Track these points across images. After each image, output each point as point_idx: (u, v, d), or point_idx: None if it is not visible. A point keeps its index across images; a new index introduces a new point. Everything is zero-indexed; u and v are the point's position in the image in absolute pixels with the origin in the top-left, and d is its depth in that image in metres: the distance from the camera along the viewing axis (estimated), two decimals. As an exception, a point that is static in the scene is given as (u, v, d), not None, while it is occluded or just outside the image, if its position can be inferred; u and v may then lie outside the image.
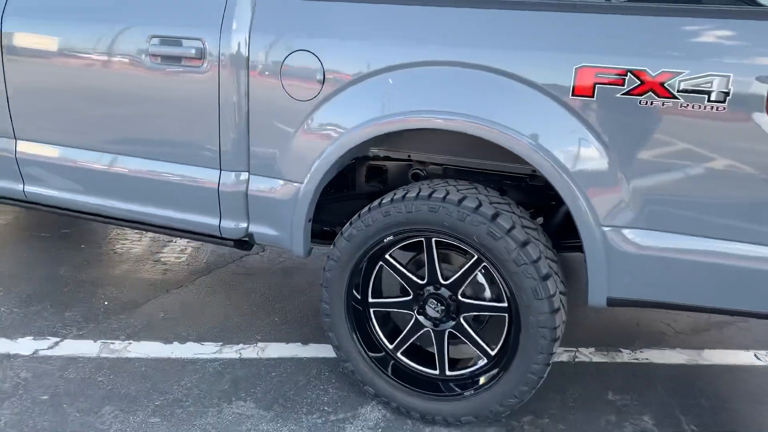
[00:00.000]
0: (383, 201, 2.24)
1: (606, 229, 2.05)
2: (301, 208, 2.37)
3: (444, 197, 2.14)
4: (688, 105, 1.88)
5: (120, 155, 2.65)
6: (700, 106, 1.87)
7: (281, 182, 2.41)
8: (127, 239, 4.01)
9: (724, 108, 1.85)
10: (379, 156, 2.62)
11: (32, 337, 2.83)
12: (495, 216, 2.10)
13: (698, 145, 1.92)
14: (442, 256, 2.33)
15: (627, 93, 1.93)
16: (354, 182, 2.70)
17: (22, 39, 2.69)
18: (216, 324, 3.01)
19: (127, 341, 2.84)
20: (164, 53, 2.41)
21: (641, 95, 1.92)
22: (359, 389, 2.48)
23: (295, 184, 2.38)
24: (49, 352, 2.73)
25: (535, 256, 2.09)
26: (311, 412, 2.42)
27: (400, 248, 2.35)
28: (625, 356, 2.87)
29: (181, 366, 2.68)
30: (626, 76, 1.92)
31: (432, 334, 2.36)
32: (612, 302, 2.14)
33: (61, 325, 2.94)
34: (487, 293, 2.31)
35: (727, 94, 1.83)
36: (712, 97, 1.85)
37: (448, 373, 2.37)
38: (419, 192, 2.19)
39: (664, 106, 1.90)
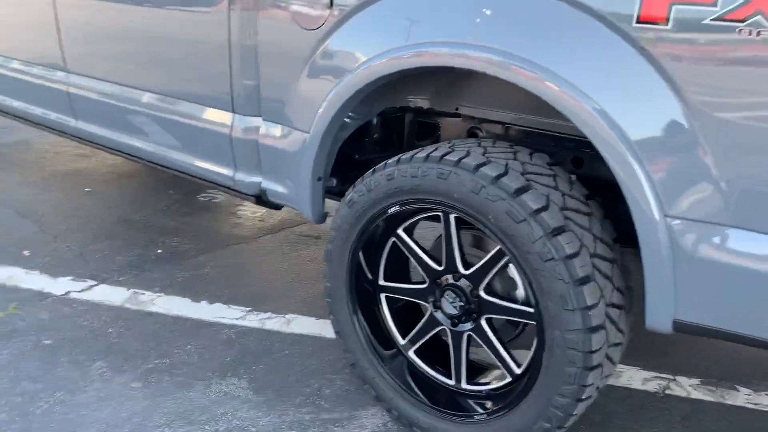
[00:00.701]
0: (389, 162, 1.77)
1: (674, 222, 1.41)
2: (307, 161, 1.97)
3: (458, 160, 1.62)
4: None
5: (149, 92, 2.43)
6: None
7: (288, 130, 2.02)
8: (213, 187, 3.87)
9: None
10: (431, 109, 2.12)
11: (72, 278, 2.75)
12: (520, 191, 1.54)
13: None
14: (469, 238, 1.81)
15: (720, 18, 1.27)
16: (403, 140, 2.23)
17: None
18: (255, 288, 2.73)
19: (158, 294, 2.66)
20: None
21: (742, 21, 1.25)
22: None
23: (303, 134, 1.98)
24: (78, 296, 2.63)
25: (570, 250, 1.50)
26: (303, 405, 2.04)
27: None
28: (741, 397, 2.13)
29: (196, 328, 2.43)
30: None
31: (449, 335, 1.86)
32: (681, 328, 1.49)
33: (105, 269, 2.84)
34: (520, 292, 1.75)
35: None
36: None
37: (464, 385, 1.86)
38: (431, 152, 1.68)
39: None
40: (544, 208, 1.53)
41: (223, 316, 2.51)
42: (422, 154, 1.69)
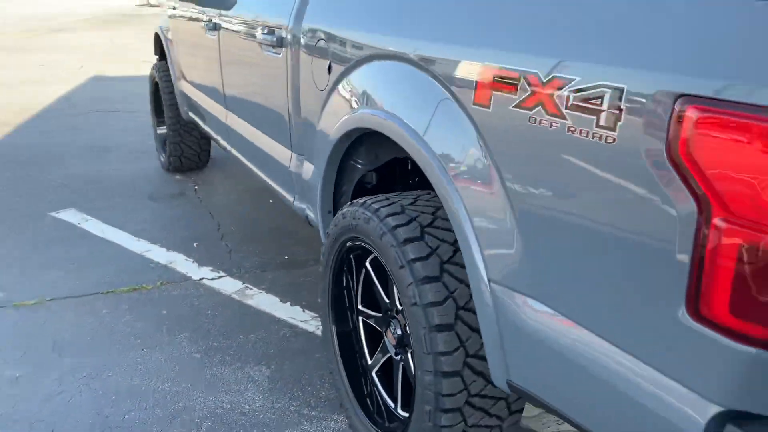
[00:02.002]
0: (355, 202, 2.08)
1: (496, 287, 1.51)
2: (318, 198, 2.36)
3: (377, 209, 1.88)
4: (575, 129, 1.25)
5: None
6: (587, 132, 1.23)
7: (310, 167, 2.44)
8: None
9: (614, 138, 1.18)
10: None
11: (211, 269, 3.50)
12: (408, 240, 1.75)
13: (588, 190, 1.26)
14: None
15: (518, 105, 1.38)
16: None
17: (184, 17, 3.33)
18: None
19: (260, 291, 3.25)
20: (266, 42, 2.66)
21: (530, 109, 1.35)
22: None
23: (314, 172, 2.38)
24: (207, 282, 3.35)
25: (433, 299, 1.68)
26: (296, 399, 2.43)
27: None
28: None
29: (267, 322, 2.96)
30: (519, 81, 1.38)
31: (393, 362, 2.09)
32: (516, 391, 1.57)
33: (238, 265, 3.54)
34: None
35: (618, 115, 1.16)
36: (601, 121, 1.20)
37: (399, 411, 2.08)
38: (368, 200, 1.96)
39: (552, 128, 1.30)
40: (422, 258, 1.72)
41: (293, 317, 3.01)
42: (364, 199, 1.98)
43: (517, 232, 1.44)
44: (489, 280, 1.53)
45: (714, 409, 1.09)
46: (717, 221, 1.02)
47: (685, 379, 1.13)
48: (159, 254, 3.66)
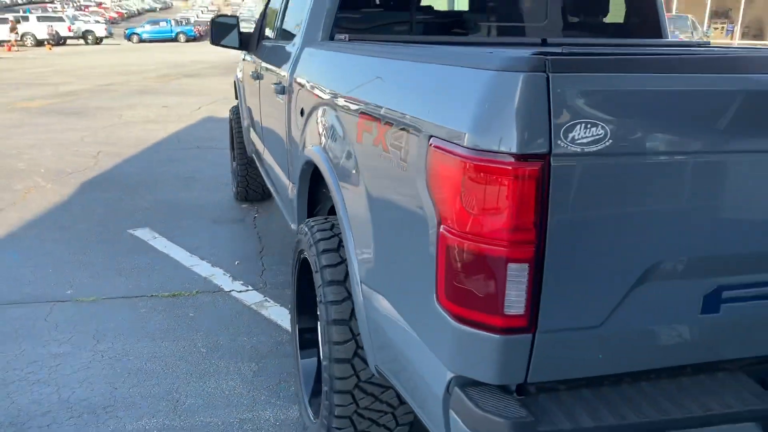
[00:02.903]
0: (306, 220, 2.50)
1: (364, 287, 1.88)
2: (296, 214, 2.82)
3: (312, 226, 2.30)
4: (393, 160, 1.64)
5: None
6: (396, 161, 1.61)
7: (293, 185, 2.92)
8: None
9: (405, 168, 1.55)
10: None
11: (242, 283, 4.02)
12: (325, 251, 2.16)
13: (394, 204, 1.63)
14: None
15: (372, 142, 1.78)
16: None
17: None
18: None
19: (275, 304, 3.72)
20: (276, 89, 3.19)
21: (377, 145, 1.75)
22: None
23: (295, 191, 2.86)
24: (235, 294, 3.87)
25: (333, 298, 2.06)
26: (268, 390, 2.85)
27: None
28: None
29: (270, 329, 3.41)
30: (374, 125, 1.78)
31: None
32: (381, 376, 1.91)
33: (266, 282, 4.03)
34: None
35: (408, 150, 1.54)
36: (401, 155, 1.58)
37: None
38: (310, 220, 2.39)
39: (384, 158, 1.70)
40: (331, 266, 2.11)
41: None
42: (309, 219, 2.41)
43: (371, 238, 1.81)
44: (360, 282, 1.90)
45: (449, 375, 1.41)
46: (440, 229, 1.37)
47: (436, 350, 1.45)
48: (204, 268, 4.24)
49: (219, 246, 4.67)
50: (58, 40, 35.26)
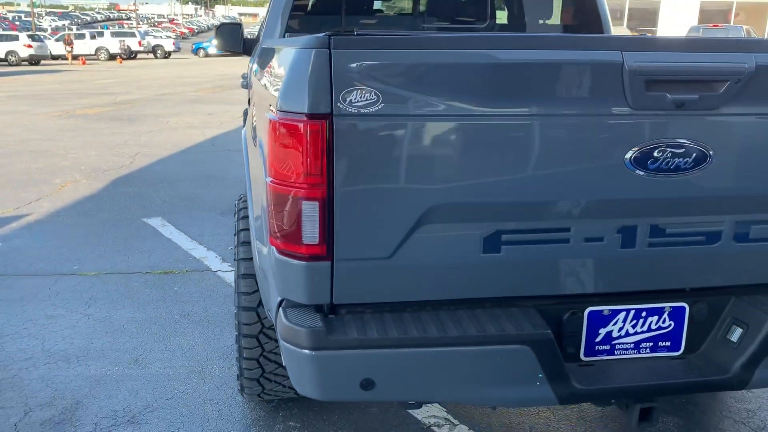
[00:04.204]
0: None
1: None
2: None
3: (241, 199, 2.66)
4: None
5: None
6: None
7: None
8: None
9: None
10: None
11: (230, 264, 4.41)
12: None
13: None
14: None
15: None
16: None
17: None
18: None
19: (253, 282, 4.08)
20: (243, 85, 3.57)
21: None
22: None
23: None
24: (220, 273, 4.26)
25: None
26: (226, 353, 3.21)
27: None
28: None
29: (243, 303, 3.77)
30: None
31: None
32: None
33: (251, 264, 4.41)
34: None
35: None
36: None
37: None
38: (244, 192, 2.75)
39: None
40: (245, 229, 2.46)
41: (263, 301, 3.79)
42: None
43: (256, 198, 2.14)
44: (255, 237, 2.23)
45: (278, 298, 1.73)
46: (267, 180, 1.69)
47: (275, 280, 1.77)
48: (199, 252, 4.67)
49: (217, 234, 5.08)
50: (129, 54, 37.10)
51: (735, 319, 1.86)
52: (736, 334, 1.84)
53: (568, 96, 1.60)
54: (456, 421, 2.63)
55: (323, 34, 1.56)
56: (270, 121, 1.67)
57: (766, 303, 1.85)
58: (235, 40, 4.68)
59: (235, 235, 2.49)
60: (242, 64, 29.98)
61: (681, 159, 1.67)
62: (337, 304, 1.69)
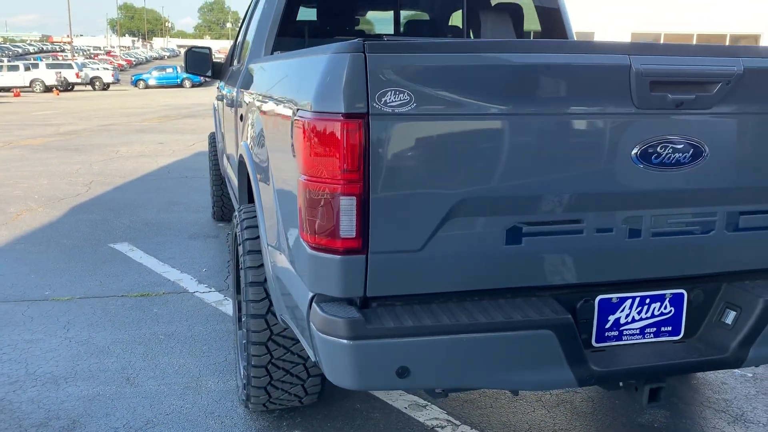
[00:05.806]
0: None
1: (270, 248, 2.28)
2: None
3: (242, 210, 2.70)
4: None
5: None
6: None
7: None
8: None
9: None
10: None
11: (206, 286, 4.39)
12: (248, 239, 2.53)
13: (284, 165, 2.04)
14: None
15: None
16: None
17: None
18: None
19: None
20: (228, 103, 3.62)
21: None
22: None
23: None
24: (198, 294, 4.23)
25: (250, 264, 2.43)
26: (201, 355, 3.20)
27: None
28: None
29: (220, 320, 3.77)
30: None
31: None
32: (284, 324, 2.28)
33: (229, 285, 4.40)
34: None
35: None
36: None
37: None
38: (242, 204, 2.79)
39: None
40: (252, 239, 2.50)
41: (247, 319, 3.79)
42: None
43: (270, 202, 2.20)
44: (267, 245, 2.28)
45: (310, 294, 1.79)
46: (300, 178, 1.76)
47: (303, 277, 1.83)
48: (173, 274, 4.62)
49: (189, 257, 5.05)
50: (67, 86, 36.28)
51: (728, 303, 2.02)
52: (730, 317, 2.00)
53: (583, 96, 1.74)
54: (457, 422, 2.70)
55: (357, 39, 1.66)
56: (300, 121, 1.74)
57: (756, 287, 2.02)
58: (204, 63, 4.72)
59: (238, 245, 2.54)
60: (183, 95, 29.63)
61: (680, 154, 1.82)
62: (369, 296, 1.76)
